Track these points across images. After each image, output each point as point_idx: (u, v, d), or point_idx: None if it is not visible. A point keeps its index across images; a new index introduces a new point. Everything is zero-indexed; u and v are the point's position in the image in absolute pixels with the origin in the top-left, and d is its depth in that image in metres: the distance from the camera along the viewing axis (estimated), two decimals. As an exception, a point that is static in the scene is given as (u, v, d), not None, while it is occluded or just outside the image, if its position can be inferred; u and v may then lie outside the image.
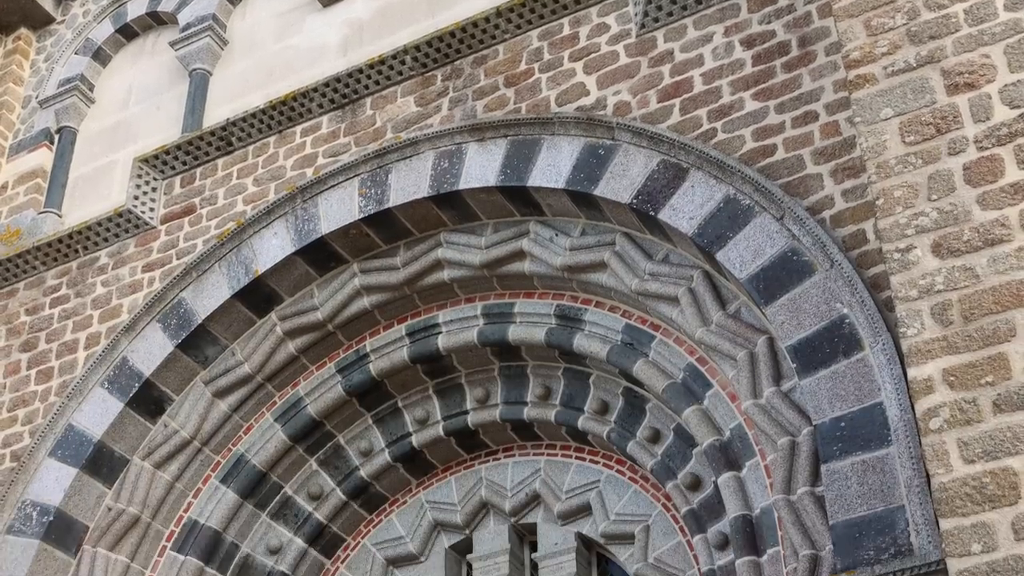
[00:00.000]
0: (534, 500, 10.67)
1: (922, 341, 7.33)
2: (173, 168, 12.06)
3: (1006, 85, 7.66)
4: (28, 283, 12.21)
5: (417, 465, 11.13)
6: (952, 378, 7.17)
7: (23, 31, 14.10)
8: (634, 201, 9.58)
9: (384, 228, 10.73)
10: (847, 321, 8.35)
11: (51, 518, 10.47)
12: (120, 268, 11.73)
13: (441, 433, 10.95)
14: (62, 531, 10.50)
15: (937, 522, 7.10)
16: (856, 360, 8.25)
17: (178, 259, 11.48)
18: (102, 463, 10.75)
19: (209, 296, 10.98)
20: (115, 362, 10.99)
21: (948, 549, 6.82)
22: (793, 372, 8.64)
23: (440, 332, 10.79)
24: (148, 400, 10.92)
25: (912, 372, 7.31)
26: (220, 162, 11.88)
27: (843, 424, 8.08)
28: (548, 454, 10.80)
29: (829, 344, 8.36)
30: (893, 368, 8.04)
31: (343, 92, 11.45)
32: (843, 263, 8.53)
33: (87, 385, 10.96)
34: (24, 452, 10.90)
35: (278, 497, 11.07)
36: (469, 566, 10.81)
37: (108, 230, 11.94)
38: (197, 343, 10.97)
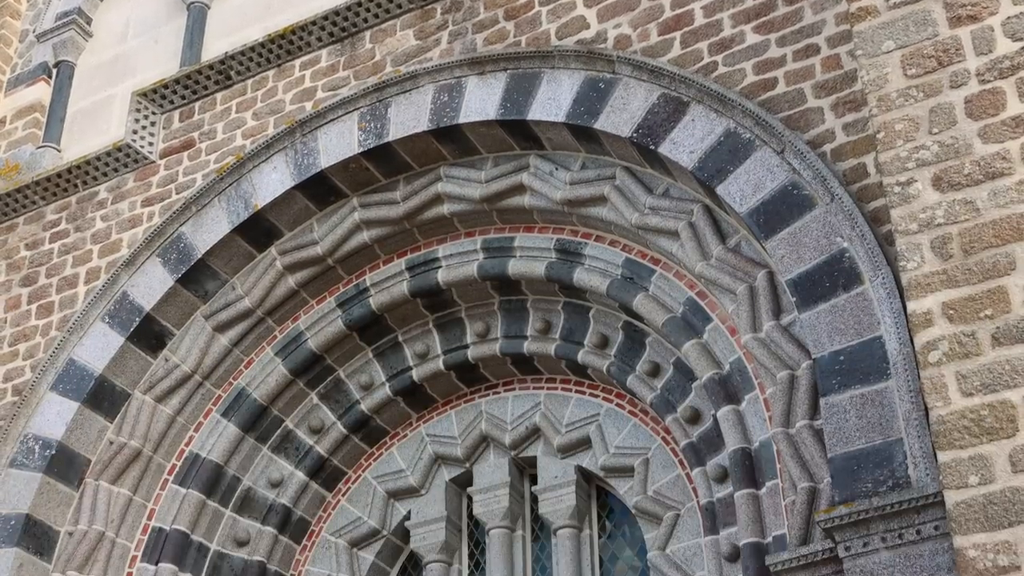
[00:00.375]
0: (534, 433, 10.71)
1: (922, 275, 7.33)
2: (172, 102, 12.01)
3: (1009, 18, 7.61)
4: (28, 218, 12.19)
5: (417, 399, 11.17)
6: (951, 311, 7.18)
7: (19, -36, 14.01)
8: (634, 135, 9.55)
9: (384, 162, 10.71)
10: (847, 255, 8.36)
11: (53, 451, 10.52)
12: (119, 203, 11.71)
13: (441, 367, 10.98)
14: (64, 464, 10.55)
15: (935, 455, 7.14)
16: (856, 294, 8.26)
17: (177, 194, 11.46)
18: (103, 397, 10.79)
19: (209, 230, 10.97)
20: (115, 297, 11.00)
21: (945, 481, 6.85)
22: (793, 306, 8.65)
23: (440, 266, 10.79)
24: (149, 334, 10.94)
25: (911, 305, 7.32)
26: (219, 96, 11.83)
27: (842, 358, 8.10)
28: (548, 388, 10.83)
29: (829, 278, 8.37)
30: (893, 302, 8.05)
31: (342, 25, 11.39)
32: (843, 197, 8.52)
33: (88, 320, 10.97)
34: (26, 386, 10.93)
35: (279, 431, 11.11)
36: (469, 499, 10.87)
37: (107, 164, 11.91)
38: (197, 277, 10.97)
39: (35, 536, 10.28)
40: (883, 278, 8.15)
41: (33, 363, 11.16)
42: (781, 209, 8.77)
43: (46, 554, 10.33)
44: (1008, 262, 7.14)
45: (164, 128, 11.95)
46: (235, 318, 11.02)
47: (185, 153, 11.69)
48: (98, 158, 11.92)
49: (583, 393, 10.64)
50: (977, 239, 7.27)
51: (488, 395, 11.07)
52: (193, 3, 12.71)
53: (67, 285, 11.50)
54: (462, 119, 10.30)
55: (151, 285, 10.96)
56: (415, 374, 11.05)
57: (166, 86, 12.01)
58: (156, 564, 10.53)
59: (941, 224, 7.40)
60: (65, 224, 11.91)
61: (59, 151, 12.59)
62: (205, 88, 11.88)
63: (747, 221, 8.94)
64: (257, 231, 10.95)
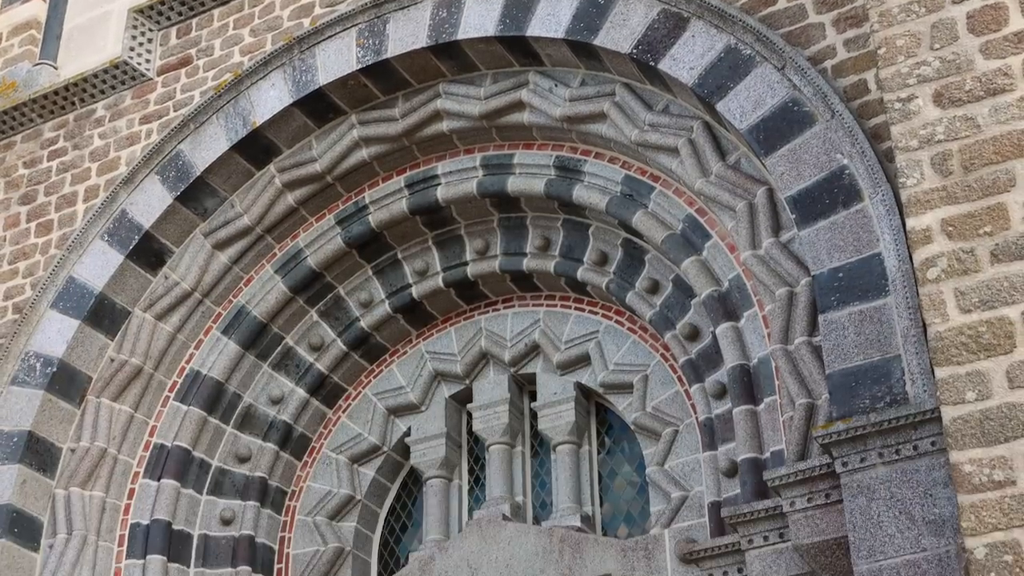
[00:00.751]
0: (533, 350, 10.75)
1: (921, 191, 7.33)
2: (168, 19, 11.93)
3: (1012, -69, 7.55)
4: (25, 136, 12.15)
5: (417, 316, 11.20)
6: (950, 228, 7.19)
7: None
8: (634, 51, 9.50)
9: (382, 79, 10.65)
10: (847, 172, 8.34)
11: (54, 369, 10.56)
12: (117, 120, 11.67)
13: (440, 284, 11.00)
14: (65, 382, 10.60)
15: (932, 371, 7.17)
16: (855, 211, 8.25)
17: (175, 111, 11.41)
18: (104, 315, 10.81)
19: (207, 148, 10.93)
20: (114, 215, 10.99)
21: (943, 397, 6.89)
22: (792, 223, 8.65)
23: (439, 183, 10.77)
24: (148, 252, 10.94)
25: (911, 222, 7.32)
26: (216, 12, 11.74)
27: (841, 274, 8.12)
28: (547, 305, 10.86)
29: (828, 195, 8.36)
30: (892, 219, 8.05)
31: (339, -60, 11.29)
32: (844, 113, 8.49)
33: (87, 238, 10.97)
34: (26, 304, 10.95)
35: (279, 348, 11.15)
36: (469, 415, 10.93)
37: (104, 82, 11.85)
38: (196, 195, 10.95)
39: (38, 453, 10.35)
40: (883, 195, 8.14)
41: (33, 281, 11.18)
42: (781, 126, 8.74)
43: (49, 470, 10.40)
44: (1008, 179, 7.14)
45: (161, 45, 11.87)
46: (234, 236, 11.02)
47: (183, 70, 11.63)
48: (95, 75, 11.86)
49: (582, 310, 10.67)
50: (977, 155, 7.26)
51: (488, 312, 11.09)
52: (189, -82, 12.59)
53: (66, 203, 11.49)
54: (461, 35, 10.23)
55: (150, 203, 10.95)
56: (415, 291, 11.07)
57: (162, 2, 11.91)
58: (158, 480, 10.61)
59: (941, 141, 7.39)
60: (63, 142, 11.88)
61: (56, 69, 12.51)
62: (202, 4, 11.80)
63: (747, 138, 8.92)
64: (256, 148, 10.92)
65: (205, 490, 10.77)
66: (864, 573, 7.25)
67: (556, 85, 10.13)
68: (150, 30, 11.89)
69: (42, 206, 11.59)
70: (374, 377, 11.32)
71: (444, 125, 10.64)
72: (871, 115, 8.57)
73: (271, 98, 10.81)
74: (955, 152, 7.32)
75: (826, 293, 8.12)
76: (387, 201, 10.91)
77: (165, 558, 10.35)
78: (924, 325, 7.38)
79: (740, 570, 8.53)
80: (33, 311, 10.82)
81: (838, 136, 8.46)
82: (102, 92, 11.85)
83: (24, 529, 10.12)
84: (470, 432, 10.98)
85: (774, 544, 8.26)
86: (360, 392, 11.31)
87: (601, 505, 10.36)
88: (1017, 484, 6.56)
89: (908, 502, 7.30)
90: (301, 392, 11.14)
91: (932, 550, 7.13)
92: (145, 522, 10.45)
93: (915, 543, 7.19)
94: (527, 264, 10.68)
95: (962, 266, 7.09)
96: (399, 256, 11.09)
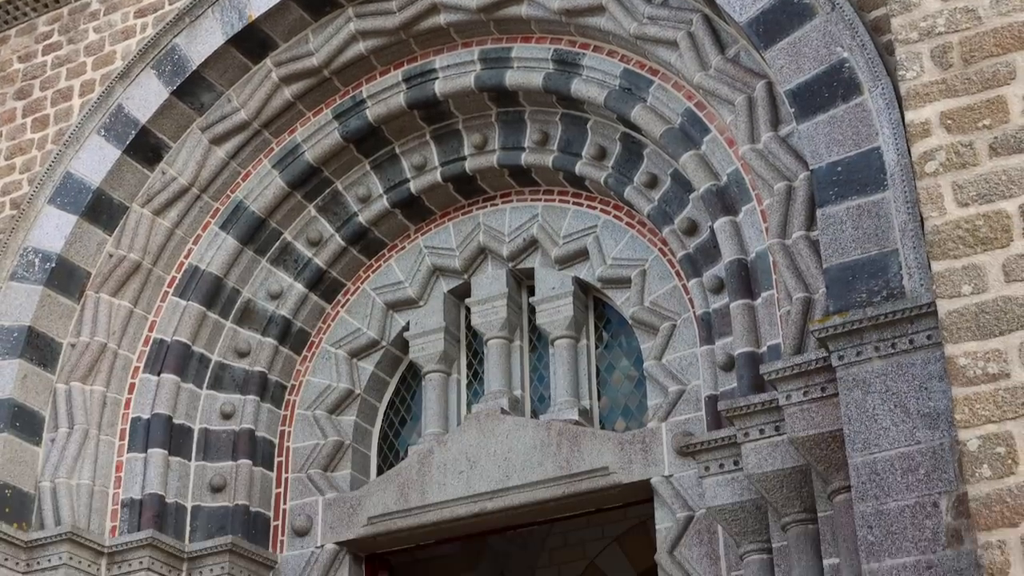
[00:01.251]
0: (532, 245, 10.75)
1: (921, 84, 7.29)
2: (162, -91, 11.78)
3: None
4: (19, 30, 12.04)
5: (415, 211, 11.19)
6: (949, 121, 7.15)
7: None
8: (633, -58, 9.40)
9: (379, -29, 10.57)
10: (847, 65, 8.29)
11: (53, 264, 10.57)
12: (112, 14, 11.55)
13: (439, 179, 10.97)
14: (64, 277, 10.61)
15: (929, 265, 7.17)
16: (855, 104, 8.22)
17: (170, 4, 11.28)
18: (101, 210, 10.80)
19: (203, 42, 10.85)
20: (111, 109, 10.92)
21: (939, 291, 6.90)
22: (791, 117, 8.61)
23: (437, 77, 10.70)
24: (145, 147, 10.90)
25: (910, 115, 7.29)
26: (210, -97, 11.59)
27: (840, 169, 8.10)
28: (546, 199, 10.83)
29: (828, 88, 8.32)
30: (891, 112, 8.02)
31: None
32: (844, 6, 8.41)
33: (83, 132, 10.92)
34: (23, 200, 10.93)
35: (278, 243, 11.15)
36: (467, 310, 10.96)
37: (98, -26, 11.74)
38: (192, 90, 10.88)
39: (38, 348, 10.40)
40: (882, 88, 8.09)
41: (30, 176, 11.14)
42: (781, 18, 8.66)
43: (49, 365, 10.45)
44: (1008, 71, 7.09)
45: (155, -64, 11.73)
46: (231, 130, 10.97)
47: (177, -38, 11.50)
48: (89, -33, 11.75)
49: (580, 205, 10.65)
50: (977, 48, 7.20)
51: (486, 207, 11.08)
52: None
53: (62, 98, 11.41)
54: (458, -74, 10.13)
55: (146, 97, 10.88)
56: (413, 186, 11.04)
57: None
58: (158, 375, 10.66)
59: (942, 33, 7.33)
60: (58, 36, 11.78)
61: (49, -39, 12.38)
62: None
63: (746, 31, 8.84)
64: (252, 42, 10.84)
65: (205, 384, 10.83)
66: (859, 465, 7.32)
67: (554, -23, 10.03)
68: (144, -79, 11.74)
69: (38, 101, 11.52)
70: (373, 272, 11.34)
71: (441, 18, 10.55)
72: (871, 7, 8.50)
73: (267, -10, 10.72)
74: (955, 44, 7.26)
75: (824, 187, 8.11)
76: (385, 95, 10.84)
77: (166, 451, 10.43)
78: (922, 219, 7.37)
79: (736, 463, 8.61)
80: (31, 207, 10.80)
81: (838, 29, 8.39)
82: (96, -15, 11.74)
83: (26, 423, 10.20)
84: (468, 326, 11.01)
85: (770, 437, 8.33)
86: (359, 287, 11.33)
87: (599, 399, 10.43)
88: (1011, 377, 6.59)
89: (903, 395, 7.35)
90: (300, 287, 11.16)
91: (926, 442, 7.19)
92: (146, 416, 10.52)
93: (909, 435, 7.25)
94: (525, 159, 10.64)
95: (960, 160, 7.07)
96: (397, 151, 11.05)
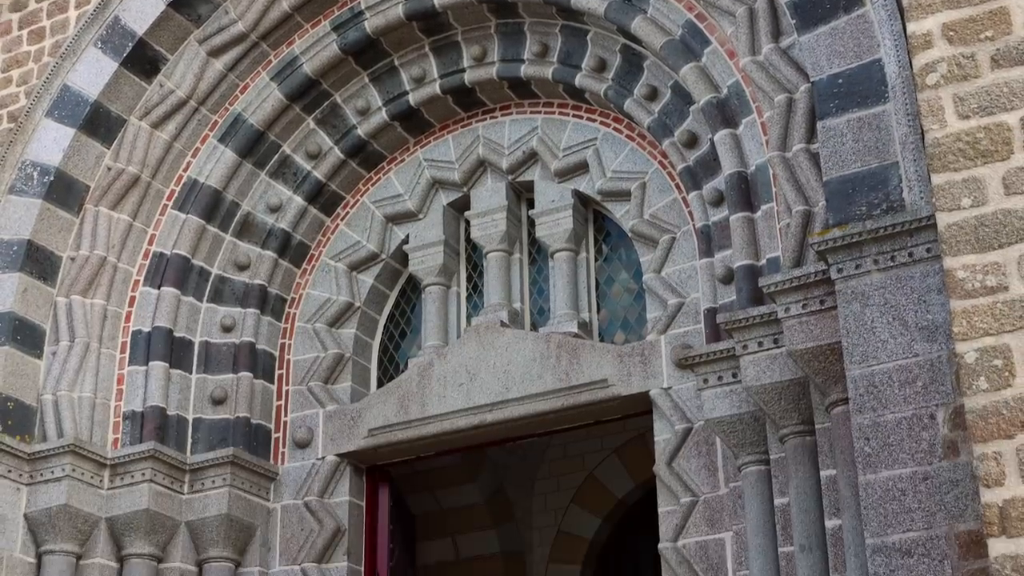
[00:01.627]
0: (531, 158, 10.72)
1: (923, -5, 7.24)
2: None
3: None
4: (14, -60, 11.94)
5: (414, 123, 11.14)
6: (951, 33, 7.11)
7: None
8: None
9: None
10: (848, -25, 8.23)
11: (52, 178, 10.54)
12: (107, -76, 11.43)
13: (438, 91, 10.91)
14: (63, 190, 10.59)
15: (929, 178, 7.16)
16: (856, 16, 8.17)
17: (166, -87, 11.17)
18: (99, 123, 10.75)
19: (199, -48, 10.78)
20: (107, 21, 10.84)
21: (938, 203, 6.90)
22: (792, 28, 8.56)
23: (435, -12, 10.63)
24: (143, 59, 10.83)
25: (911, 27, 7.24)
26: None
27: (841, 81, 8.07)
28: (545, 112, 10.79)
29: (829, -1, 8.28)
30: (893, 24, 7.97)
31: None
32: (846, -86, 8.34)
33: (80, 45, 10.85)
34: (21, 113, 10.88)
35: (277, 156, 11.11)
36: (467, 222, 10.95)
37: None
38: (189, 1, 10.80)
39: (38, 261, 10.40)
40: (884, -1, 8.05)
41: (27, 89, 11.07)
42: (782, -73, 8.59)
43: (49, 279, 10.46)
44: (1011, -18, 7.04)
45: None
46: (229, 42, 10.90)
47: None
48: None
49: (580, 117, 10.61)
50: (980, -42, 7.14)
51: (485, 120, 11.03)
52: None
53: (57, 10, 11.30)
54: None
55: (143, 9, 10.79)
56: (412, 98, 10.99)
57: None
58: (158, 288, 10.67)
59: (944, -58, 7.26)
60: (52, -55, 11.66)
61: None
62: None
63: (747, -60, 8.78)
64: (248, -48, 10.77)
65: (205, 298, 10.85)
66: (856, 378, 7.36)
67: None
68: None
69: (33, 13, 11.42)
70: (372, 185, 11.31)
71: (440, -72, 10.46)
72: (875, -84, 8.41)
73: (263, -101, 10.62)
74: (958, -46, 7.21)
75: (825, 99, 8.08)
76: (383, 6, 10.75)
77: (167, 364, 10.48)
78: (922, 131, 7.35)
79: (734, 375, 8.65)
80: (28, 120, 10.76)
81: (840, -62, 8.32)
82: None
83: (27, 336, 10.22)
84: (468, 239, 11.02)
85: (768, 350, 8.36)
86: (358, 200, 11.32)
87: (598, 311, 10.46)
88: (1009, 290, 6.60)
89: (902, 308, 7.37)
90: (299, 200, 11.15)
91: (924, 355, 7.22)
92: (146, 329, 10.55)
93: (907, 348, 7.28)
94: (525, 71, 10.58)
95: (962, 71, 7.03)
96: (396, 63, 10.98)
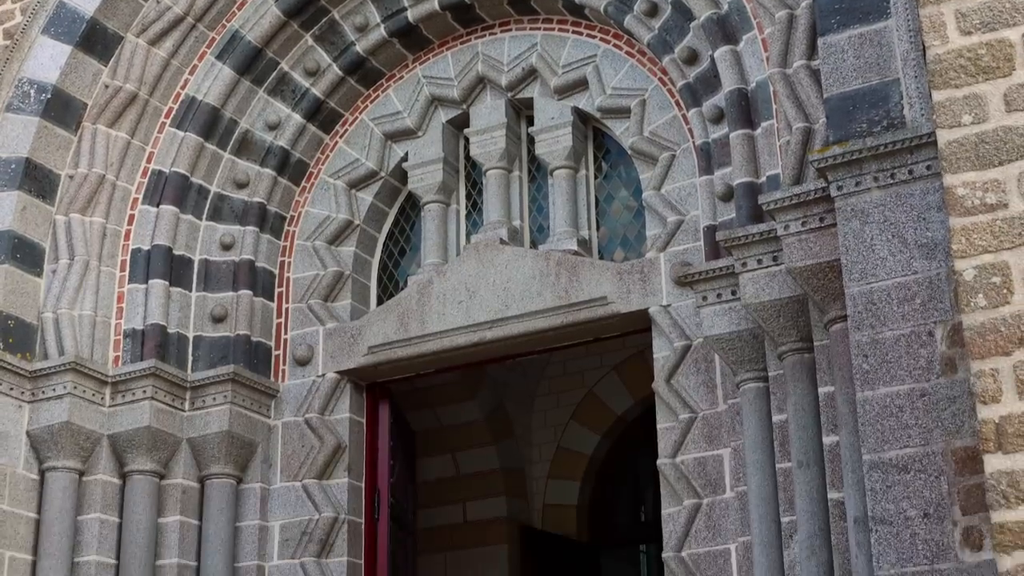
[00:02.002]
0: (531, 75, 10.67)
1: (926, -91, 7.16)
2: None
3: None
4: None
5: (413, 40, 11.07)
6: (954, -53, 7.05)
7: None
8: None
9: None
10: None
11: (49, 95, 10.49)
12: None
13: (436, 7, 10.82)
14: (61, 108, 10.54)
15: (930, 94, 7.13)
16: (858, -70, 8.10)
17: None
18: (96, 40, 10.68)
19: None
20: (101, -64, 10.74)
21: (939, 120, 6.88)
22: (793, -57, 8.50)
23: (434, -97, 10.53)
24: (139, -25, 10.76)
25: (914, -58, 7.18)
26: None
27: (842, -4, 8.01)
28: (545, 28, 10.72)
29: (832, -88, 8.20)
30: (895, -62, 7.90)
31: None
32: None
33: (75, -40, 10.76)
34: (16, 30, 10.79)
35: (275, 73, 11.05)
36: (466, 140, 10.92)
37: None
38: (185, -85, 10.72)
39: (36, 179, 10.38)
40: (887, -88, 7.97)
41: (23, 6, 10.97)
42: None
43: (48, 197, 10.44)
44: None
45: None
46: (226, -43, 10.83)
47: None
48: None
49: (580, 34, 10.54)
50: None
51: (484, 36, 10.96)
52: None
53: (52, -76, 11.20)
54: None
55: (138, -76, 10.71)
56: (410, 15, 10.90)
57: None
58: (157, 206, 10.66)
59: None
60: None
61: None
62: None
63: None
64: None
65: (204, 215, 10.84)
66: (855, 295, 7.37)
67: None
68: None
69: (28, -73, 11.32)
70: (371, 102, 11.26)
71: None
72: None
73: None
74: None
75: (826, 15, 8.03)
76: (382, -79, 10.68)
77: (167, 282, 10.49)
78: (924, 48, 7.31)
79: (734, 292, 8.67)
80: (24, 37, 10.68)
81: None
82: None
83: (26, 255, 10.23)
84: (467, 157, 10.99)
85: (767, 267, 8.38)
86: (357, 117, 11.27)
87: (598, 229, 10.45)
88: (1009, 207, 6.60)
89: (901, 225, 7.37)
90: (298, 117, 11.10)
91: (923, 272, 7.23)
92: (146, 247, 10.55)
93: (906, 266, 7.29)
94: (524, -14, 10.52)
95: (964, -13, 6.99)
96: (394, -22, 10.91)
